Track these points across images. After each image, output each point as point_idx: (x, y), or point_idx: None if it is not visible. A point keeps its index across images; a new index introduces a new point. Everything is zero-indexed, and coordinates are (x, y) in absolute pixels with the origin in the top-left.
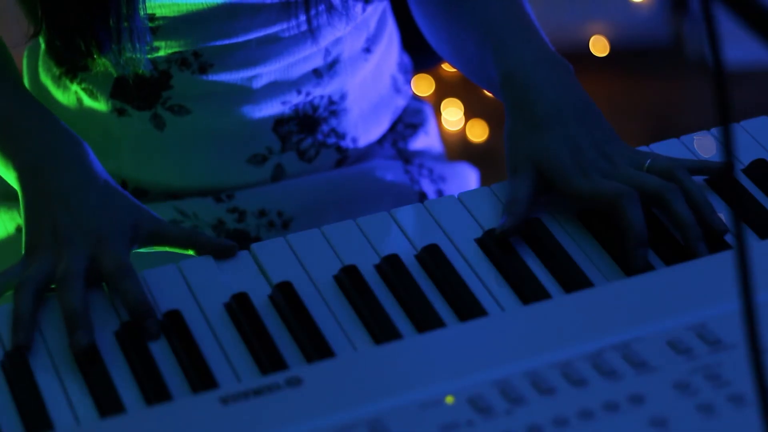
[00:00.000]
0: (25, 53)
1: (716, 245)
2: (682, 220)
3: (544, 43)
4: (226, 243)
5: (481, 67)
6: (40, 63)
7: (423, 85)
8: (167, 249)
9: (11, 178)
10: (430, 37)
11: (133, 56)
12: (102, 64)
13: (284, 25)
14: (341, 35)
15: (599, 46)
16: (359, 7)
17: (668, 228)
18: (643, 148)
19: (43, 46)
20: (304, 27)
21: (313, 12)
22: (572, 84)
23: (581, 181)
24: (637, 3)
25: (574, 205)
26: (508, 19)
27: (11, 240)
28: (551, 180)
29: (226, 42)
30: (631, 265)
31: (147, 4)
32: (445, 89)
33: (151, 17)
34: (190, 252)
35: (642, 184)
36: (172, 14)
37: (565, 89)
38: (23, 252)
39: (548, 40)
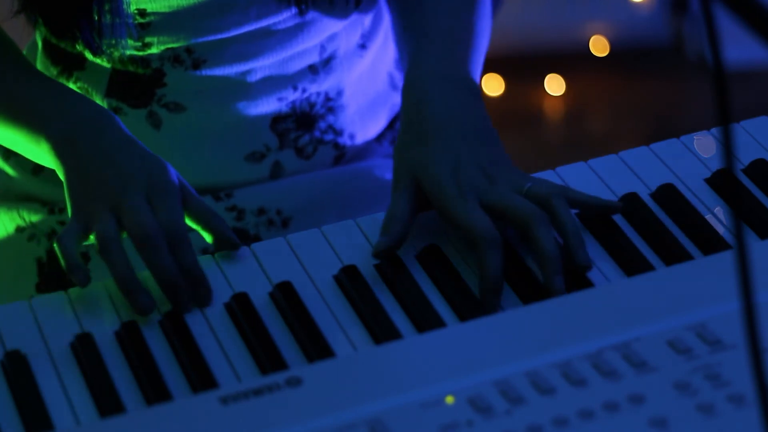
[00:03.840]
0: (23, 52)
1: (577, 282)
2: (541, 249)
3: (462, 60)
4: (233, 238)
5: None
6: (38, 62)
7: None
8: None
9: (43, 153)
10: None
11: (116, 50)
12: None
13: (277, 18)
14: (336, 31)
15: (599, 46)
16: (351, 3)
17: (668, 228)
18: (643, 148)
19: (39, 45)
20: (297, 20)
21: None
22: (471, 105)
23: (456, 203)
24: (637, 3)
25: (574, 205)
26: (437, 30)
27: (11, 240)
28: (428, 194)
29: (219, 37)
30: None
31: (138, 0)
32: None
33: (143, 13)
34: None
35: (511, 207)
36: (163, 10)
37: (460, 109)
38: (70, 214)
39: (480, 59)
